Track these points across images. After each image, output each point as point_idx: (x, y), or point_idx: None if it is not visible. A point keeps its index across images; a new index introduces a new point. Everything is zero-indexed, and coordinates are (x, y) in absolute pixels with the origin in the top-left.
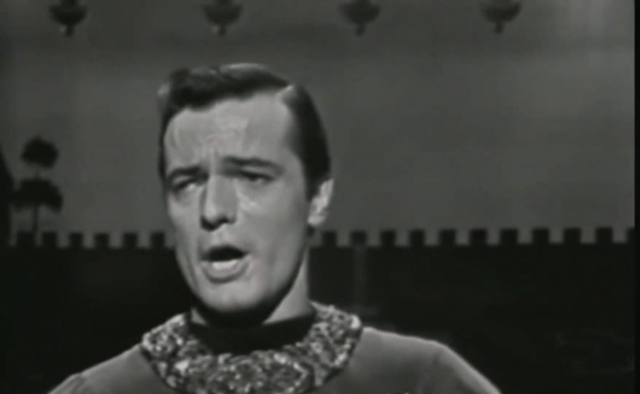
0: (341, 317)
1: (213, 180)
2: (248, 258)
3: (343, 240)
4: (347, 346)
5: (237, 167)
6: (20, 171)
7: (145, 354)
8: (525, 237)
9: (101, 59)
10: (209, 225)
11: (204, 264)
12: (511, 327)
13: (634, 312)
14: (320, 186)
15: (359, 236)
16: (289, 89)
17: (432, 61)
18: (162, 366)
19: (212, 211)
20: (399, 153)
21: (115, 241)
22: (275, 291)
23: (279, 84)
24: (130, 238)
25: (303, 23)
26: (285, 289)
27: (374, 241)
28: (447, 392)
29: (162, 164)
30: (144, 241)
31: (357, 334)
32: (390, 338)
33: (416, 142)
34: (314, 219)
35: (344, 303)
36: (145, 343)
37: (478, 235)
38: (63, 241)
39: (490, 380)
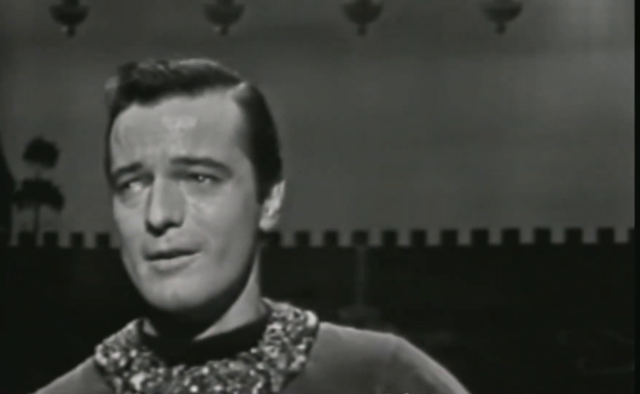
0: (296, 315)
1: (159, 182)
2: (197, 255)
3: (344, 240)
4: (303, 346)
5: (185, 168)
6: (22, 170)
7: (99, 368)
8: (526, 237)
9: (103, 59)
10: (154, 229)
11: (148, 263)
12: (512, 327)
13: (634, 312)
14: (272, 188)
15: (360, 236)
16: (241, 87)
17: (433, 61)
18: (118, 381)
19: (157, 215)
20: (400, 153)
21: (117, 241)
22: (222, 291)
23: (231, 81)
24: None
25: (305, 23)
26: (235, 293)
27: (375, 240)
28: (407, 389)
29: (107, 162)
30: None
31: (313, 332)
32: (348, 334)
33: (418, 142)
34: (265, 222)
35: (345, 302)
36: (98, 356)
37: (480, 235)
38: (64, 241)
39: (492, 380)
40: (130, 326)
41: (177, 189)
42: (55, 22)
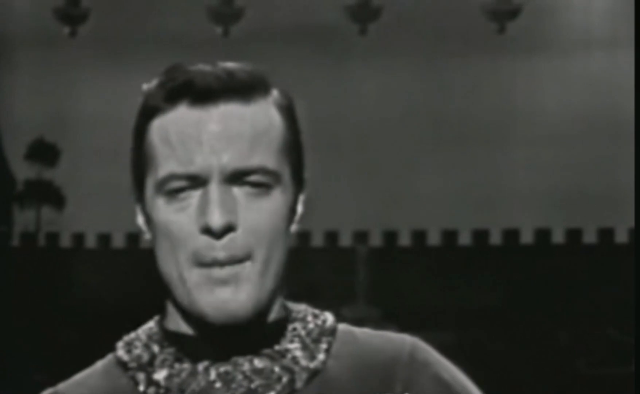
0: (315, 315)
1: (215, 187)
2: (246, 264)
3: (345, 240)
4: (324, 345)
5: (240, 177)
6: (23, 171)
7: (121, 364)
8: (527, 237)
9: (104, 60)
10: (213, 233)
11: (199, 270)
12: (513, 327)
13: (634, 312)
14: (300, 195)
15: (361, 236)
16: (277, 93)
17: (434, 62)
18: (141, 376)
19: (217, 220)
20: (401, 153)
21: (118, 241)
22: (265, 300)
23: (269, 87)
24: (133, 238)
25: (306, 24)
26: (273, 299)
27: (376, 240)
28: (425, 387)
29: (141, 162)
30: (146, 242)
31: (332, 332)
32: (365, 334)
33: (419, 142)
34: (293, 228)
35: (346, 302)
36: (120, 352)
37: (480, 235)
38: (66, 241)
39: (493, 380)
40: (151, 323)
41: (231, 194)
42: (57, 23)
